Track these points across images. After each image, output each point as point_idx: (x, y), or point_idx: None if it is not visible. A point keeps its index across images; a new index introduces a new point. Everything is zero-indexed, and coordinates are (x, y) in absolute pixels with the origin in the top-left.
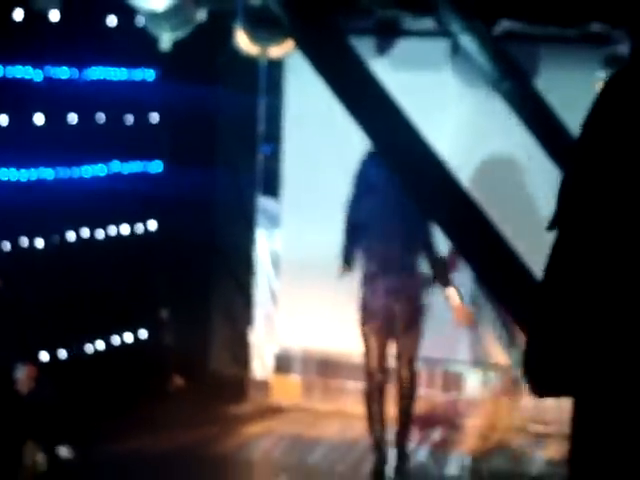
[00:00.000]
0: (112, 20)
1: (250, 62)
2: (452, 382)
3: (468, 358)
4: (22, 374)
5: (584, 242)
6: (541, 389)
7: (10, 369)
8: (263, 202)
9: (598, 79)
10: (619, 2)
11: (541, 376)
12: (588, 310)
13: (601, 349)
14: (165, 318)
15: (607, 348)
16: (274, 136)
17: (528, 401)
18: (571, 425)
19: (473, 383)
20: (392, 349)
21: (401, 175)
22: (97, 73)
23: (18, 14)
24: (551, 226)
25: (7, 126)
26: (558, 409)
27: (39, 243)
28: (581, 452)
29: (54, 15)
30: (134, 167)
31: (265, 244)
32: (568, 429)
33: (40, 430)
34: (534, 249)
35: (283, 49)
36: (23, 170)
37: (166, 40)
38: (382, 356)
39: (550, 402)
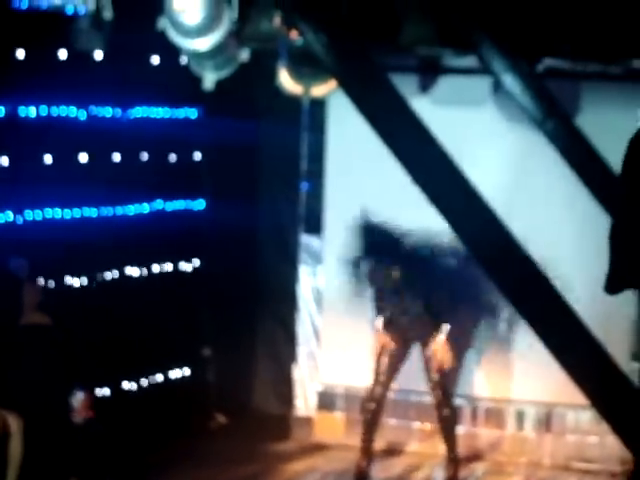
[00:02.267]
0: (155, 60)
1: (292, 101)
2: (496, 419)
3: (512, 395)
4: (78, 402)
5: None
6: None
7: (58, 410)
8: (305, 239)
9: None
10: None
11: None
12: None
13: None
14: (208, 355)
15: None
16: (316, 173)
17: (572, 438)
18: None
19: (516, 420)
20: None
21: (442, 212)
22: (140, 112)
23: (62, 54)
24: (612, 289)
25: (51, 165)
26: (601, 446)
27: (83, 281)
28: None
29: (98, 55)
30: (177, 205)
31: (308, 281)
32: (612, 466)
33: (86, 466)
34: (578, 286)
35: (325, 88)
36: (67, 209)
37: (209, 80)
38: None
39: (594, 440)
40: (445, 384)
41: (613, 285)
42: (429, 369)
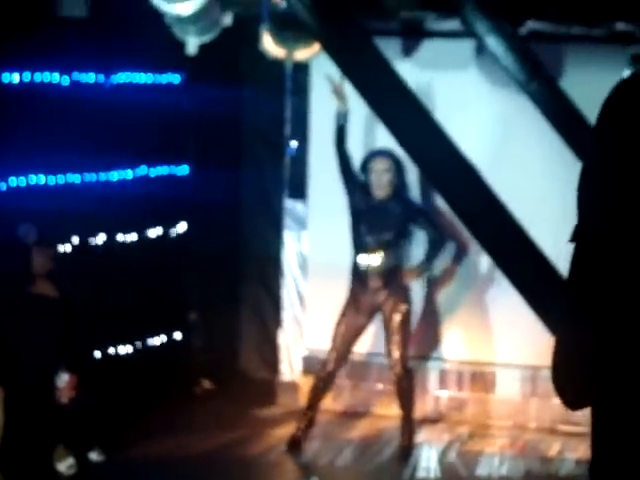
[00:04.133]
0: (138, 25)
1: (276, 65)
2: (482, 383)
3: (499, 359)
4: (63, 383)
5: (607, 255)
6: (570, 403)
7: (51, 375)
8: (290, 204)
9: (624, 78)
10: None
11: (569, 392)
12: (610, 325)
13: (623, 362)
14: (194, 320)
15: (629, 362)
16: (300, 138)
17: (557, 401)
18: (592, 432)
19: (503, 383)
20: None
21: (426, 173)
22: (123, 77)
23: (45, 20)
24: (574, 238)
25: (35, 131)
26: (587, 409)
27: (67, 248)
28: (601, 458)
29: (80, 21)
30: (161, 170)
31: (292, 246)
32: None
33: (72, 435)
34: (561, 249)
35: (309, 52)
36: (51, 175)
37: (192, 44)
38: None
39: None
40: (406, 356)
41: (575, 235)
42: (389, 335)
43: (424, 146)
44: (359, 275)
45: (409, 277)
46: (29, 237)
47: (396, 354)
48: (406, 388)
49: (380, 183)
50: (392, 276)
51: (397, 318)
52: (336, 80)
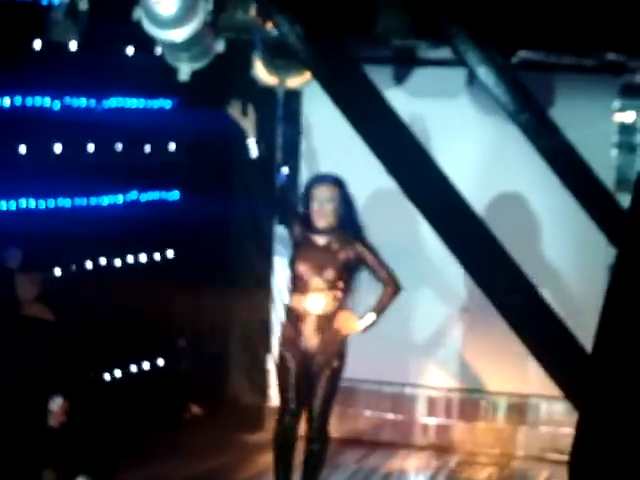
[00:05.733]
0: (130, 50)
1: (267, 92)
2: (470, 410)
3: (485, 387)
4: (56, 407)
5: None
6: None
7: (44, 398)
8: (280, 230)
9: (614, 108)
10: (636, 31)
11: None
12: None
13: None
14: (182, 346)
15: None
16: (291, 165)
17: (545, 429)
18: None
19: (490, 411)
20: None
21: (415, 203)
22: (115, 102)
23: (37, 44)
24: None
25: (25, 155)
26: None
27: (56, 272)
28: None
29: (72, 45)
30: (151, 196)
31: (282, 272)
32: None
33: (60, 459)
34: (550, 279)
35: (301, 79)
36: (41, 199)
37: (185, 71)
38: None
39: (567, 431)
40: (328, 414)
41: None
42: (315, 389)
43: (413, 175)
44: (292, 319)
45: (347, 328)
46: (13, 262)
47: (317, 410)
48: (316, 454)
49: (322, 212)
50: (330, 324)
51: (327, 373)
52: (235, 101)
